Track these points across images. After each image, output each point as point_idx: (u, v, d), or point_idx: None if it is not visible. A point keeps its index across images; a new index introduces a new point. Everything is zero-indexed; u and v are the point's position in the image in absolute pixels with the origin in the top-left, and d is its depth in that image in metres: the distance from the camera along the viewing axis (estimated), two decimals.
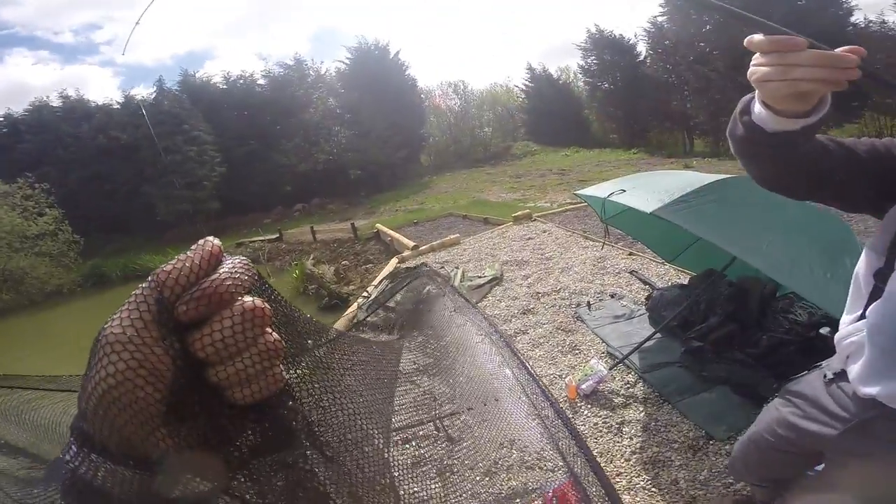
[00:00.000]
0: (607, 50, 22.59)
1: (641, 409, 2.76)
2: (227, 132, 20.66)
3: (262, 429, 0.31)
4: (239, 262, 0.30)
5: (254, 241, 14.22)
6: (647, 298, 3.66)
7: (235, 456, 0.31)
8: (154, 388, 0.27)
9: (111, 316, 0.27)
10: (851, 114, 14.79)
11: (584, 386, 2.90)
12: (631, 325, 3.59)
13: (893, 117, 14.00)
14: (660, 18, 19.45)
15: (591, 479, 0.39)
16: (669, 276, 4.44)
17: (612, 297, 4.18)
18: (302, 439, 0.35)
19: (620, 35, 22.50)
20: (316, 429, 0.37)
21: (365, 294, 5.60)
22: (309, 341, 0.40)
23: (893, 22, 13.14)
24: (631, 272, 4.59)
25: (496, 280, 5.20)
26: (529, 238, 7.03)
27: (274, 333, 0.30)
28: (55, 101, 20.68)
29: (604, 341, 3.46)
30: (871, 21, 14.03)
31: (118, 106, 20.76)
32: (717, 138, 19.65)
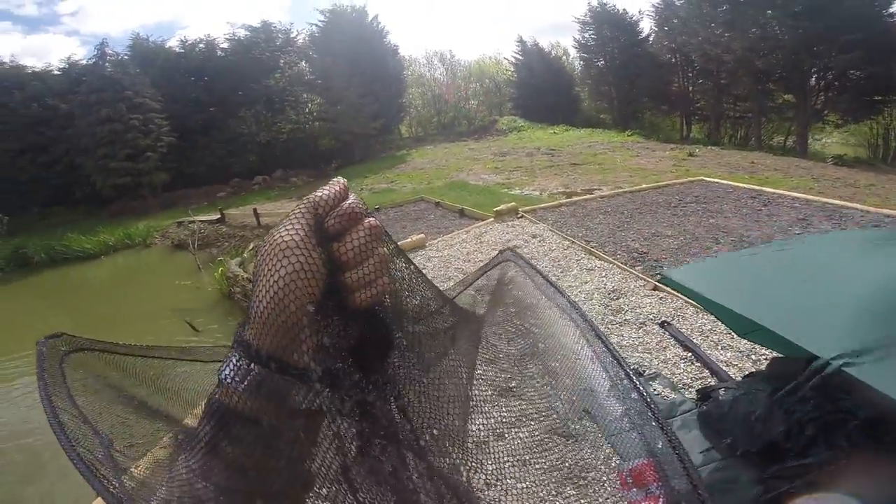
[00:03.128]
0: (607, 25, 21.34)
1: None
2: (182, 99, 19.06)
3: (372, 331, 0.37)
4: (356, 196, 0.37)
5: (194, 222, 12.31)
6: (699, 394, 2.30)
7: (352, 363, 0.36)
8: (314, 288, 0.32)
9: (276, 229, 0.33)
10: (872, 109, 13.63)
11: None
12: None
13: None
14: None
15: (671, 461, 0.41)
16: (718, 332, 3.05)
17: (637, 374, 2.81)
18: (396, 347, 0.40)
19: (623, 10, 21.27)
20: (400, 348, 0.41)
21: None
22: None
23: None
24: (662, 324, 3.20)
25: None
26: (515, 246, 5.59)
27: (384, 247, 0.37)
28: None
29: (622, 456, 2.11)
30: None
31: (58, 72, 18.70)
32: (717, 124, 18.42)
